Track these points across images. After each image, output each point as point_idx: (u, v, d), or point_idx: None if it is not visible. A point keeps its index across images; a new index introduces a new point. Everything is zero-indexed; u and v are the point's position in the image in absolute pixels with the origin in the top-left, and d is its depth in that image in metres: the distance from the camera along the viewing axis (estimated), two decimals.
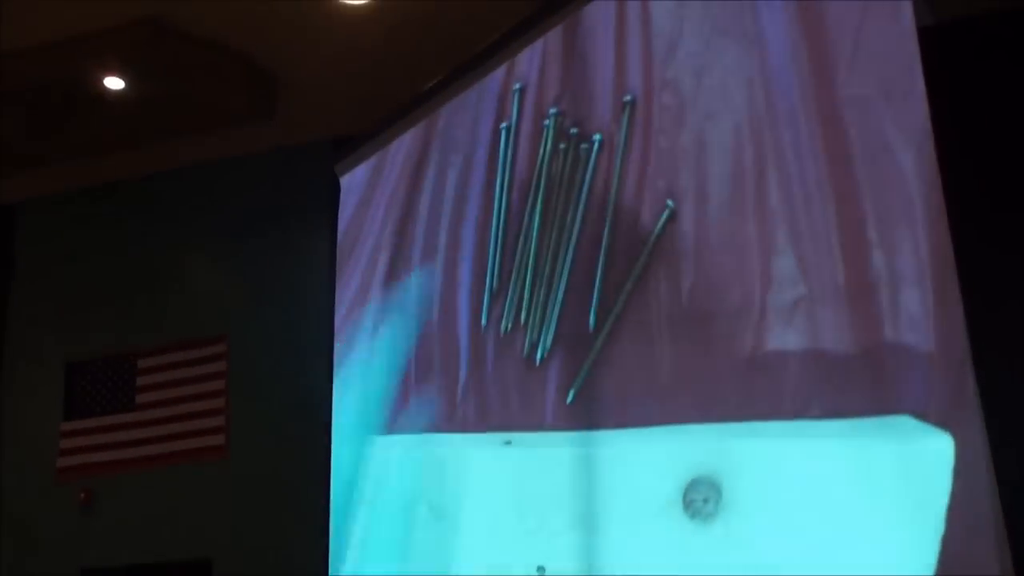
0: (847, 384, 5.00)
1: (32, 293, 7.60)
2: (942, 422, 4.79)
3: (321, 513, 6.09)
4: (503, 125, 5.99)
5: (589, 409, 5.50)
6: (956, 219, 4.90)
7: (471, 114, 6.14)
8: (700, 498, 5.14)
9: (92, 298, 7.41)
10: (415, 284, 6.21)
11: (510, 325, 5.83)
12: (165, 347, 7.00)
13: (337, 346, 6.32)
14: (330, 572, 5.98)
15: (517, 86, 5.99)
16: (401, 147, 6.41)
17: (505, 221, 6.03)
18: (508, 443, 5.68)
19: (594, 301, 5.62)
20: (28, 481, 7.10)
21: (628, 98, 5.64)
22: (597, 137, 5.74)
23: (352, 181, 6.59)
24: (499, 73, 6.02)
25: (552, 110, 5.87)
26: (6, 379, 7.49)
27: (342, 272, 6.49)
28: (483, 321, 5.91)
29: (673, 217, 5.52)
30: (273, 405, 6.63)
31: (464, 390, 5.87)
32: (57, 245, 7.64)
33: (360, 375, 6.20)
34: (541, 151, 5.92)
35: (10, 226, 7.70)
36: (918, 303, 4.93)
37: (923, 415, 4.88)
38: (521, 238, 5.94)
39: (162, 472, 6.85)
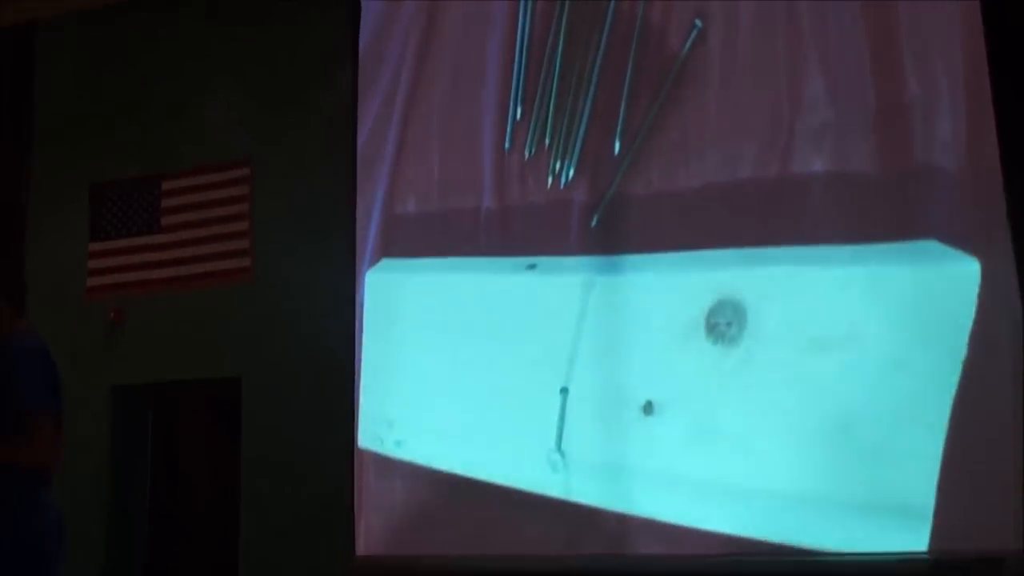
0: (874, 209, 5.07)
1: (55, 115, 7.65)
2: (969, 247, 4.88)
3: (345, 333, 6.28)
4: None
5: (613, 234, 5.61)
6: (993, 43, 4.86)
7: None
8: (724, 322, 5.29)
9: (115, 120, 7.46)
10: (437, 106, 6.23)
11: (534, 149, 5.88)
12: (189, 170, 7.10)
13: (359, 169, 6.39)
14: (356, 389, 6.21)
15: None
16: None
17: (529, 43, 5.99)
18: (532, 267, 5.81)
19: (619, 125, 5.64)
20: (58, 300, 7.33)
21: None
22: None
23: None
24: None
25: None
26: (33, 200, 7.64)
27: (364, 93, 6.50)
28: (506, 145, 5.96)
29: (701, 38, 5.48)
30: (296, 228, 6.76)
31: (487, 214, 5.97)
32: (78, 65, 7.65)
33: (381, 197, 6.30)
34: None
35: (30, 46, 7.69)
36: (950, 127, 4.95)
37: (950, 240, 4.97)
38: (545, 61, 5.92)
39: (189, 293, 7.05)
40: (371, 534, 6.10)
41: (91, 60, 7.60)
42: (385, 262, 6.28)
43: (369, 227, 6.34)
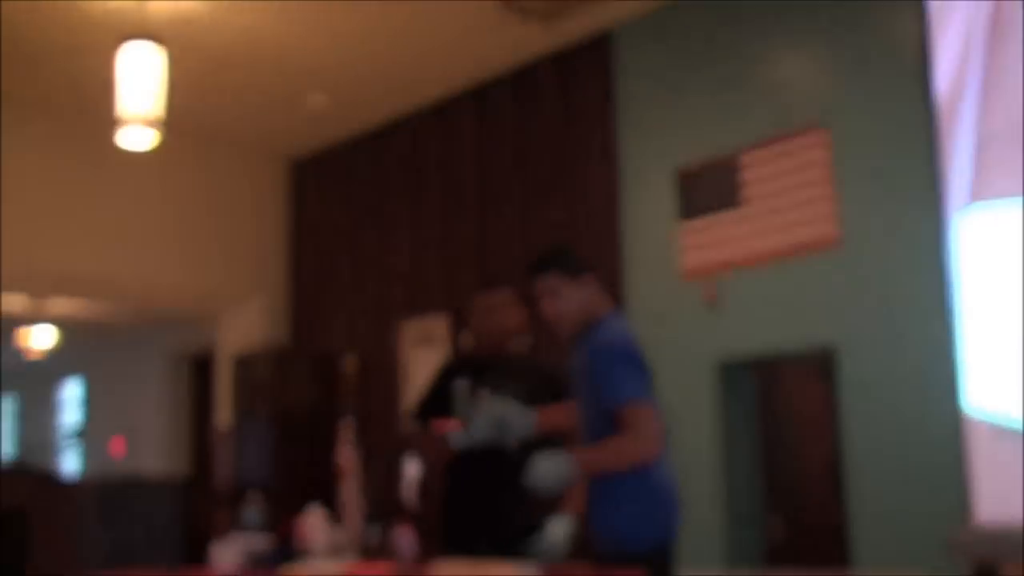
0: None
1: (637, 112, 8.36)
2: None
3: (931, 290, 6.20)
4: None
5: None
6: None
7: None
8: None
9: (692, 107, 7.99)
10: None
11: None
12: (764, 143, 7.40)
13: (940, 115, 6.29)
14: (955, 348, 6.11)
15: None
16: None
17: None
18: None
19: None
20: (655, 279, 7.97)
21: None
22: None
23: None
24: None
25: None
26: (624, 187, 8.40)
27: (936, 35, 6.38)
28: None
29: None
30: (878, 187, 6.79)
31: None
32: (654, 66, 8.29)
33: (967, 142, 6.14)
34: None
35: (607, 50, 8.49)
36: None
37: None
38: None
39: (777, 265, 7.32)
40: (988, 502, 6.01)
41: (665, 60, 8.20)
42: (978, 206, 6.13)
43: (955, 175, 6.23)
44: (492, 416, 3.32)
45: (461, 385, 3.81)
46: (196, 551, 10.56)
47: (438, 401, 4.10)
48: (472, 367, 4.11)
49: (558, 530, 3.65)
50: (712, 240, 7.81)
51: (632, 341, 3.26)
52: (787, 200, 7.31)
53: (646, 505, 3.15)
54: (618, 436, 3.06)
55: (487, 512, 3.85)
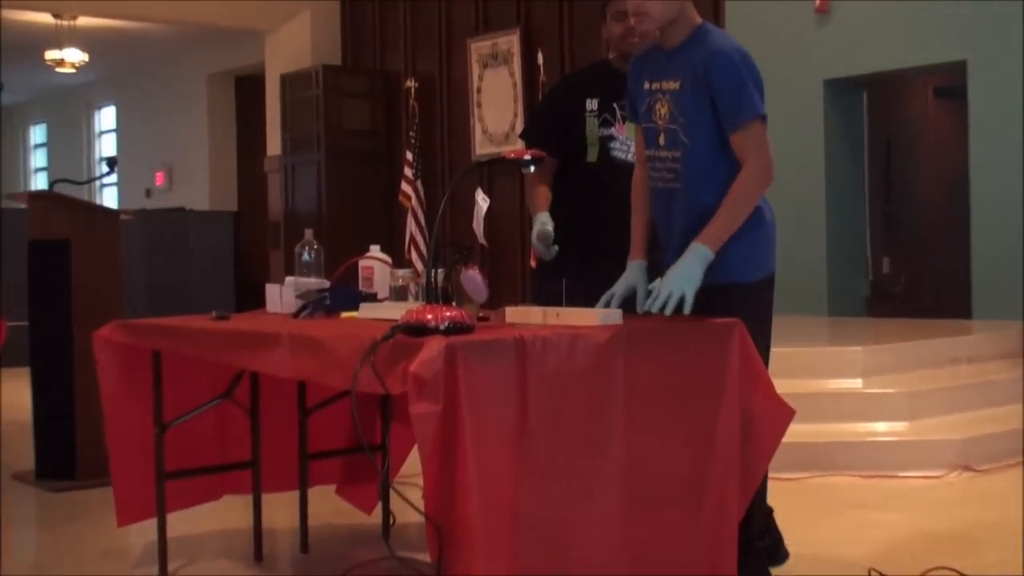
0: None
1: None
2: None
3: None
4: None
5: None
6: None
7: None
8: None
9: None
10: None
11: None
12: None
13: None
14: None
15: None
16: None
17: None
18: None
19: None
20: None
21: None
22: None
23: None
24: None
25: None
26: None
27: None
28: None
29: None
30: None
31: None
32: None
33: None
34: None
35: None
36: None
37: None
38: None
39: None
40: None
41: None
42: None
43: None
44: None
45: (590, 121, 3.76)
46: (249, 293, 10.77)
47: (553, 122, 3.90)
48: (599, 83, 3.88)
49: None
50: None
51: (746, 51, 3.08)
52: None
53: (756, 235, 3.08)
54: (739, 181, 2.94)
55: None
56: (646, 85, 3.20)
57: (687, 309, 2.86)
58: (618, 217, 3.37)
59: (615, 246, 3.33)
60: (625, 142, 3.76)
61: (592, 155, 3.82)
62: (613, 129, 3.79)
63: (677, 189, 3.14)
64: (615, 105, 3.78)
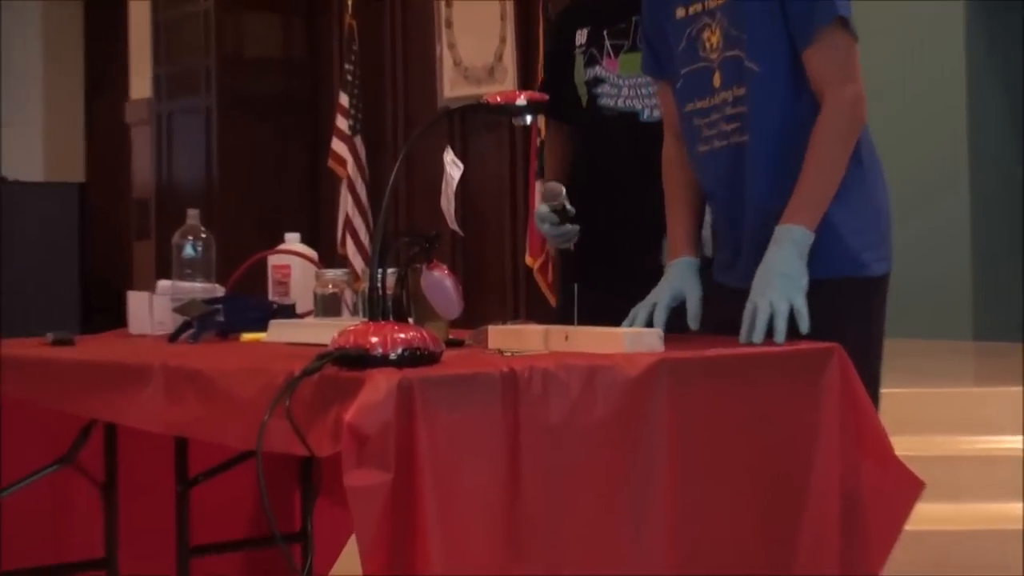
0: None
1: None
2: None
3: None
4: None
5: None
6: None
7: None
8: None
9: None
10: None
11: None
12: None
13: None
14: None
15: None
16: None
17: None
18: None
19: None
20: None
21: None
22: None
23: None
24: None
25: None
26: None
27: None
28: None
29: None
30: None
31: None
32: None
33: None
34: None
35: None
36: None
37: None
38: None
39: None
40: None
41: None
42: None
43: None
44: None
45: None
46: (101, 305, 10.64)
47: (557, 66, 4.03)
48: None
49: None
50: None
51: None
52: None
53: (866, 205, 3.07)
54: (820, 123, 2.92)
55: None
56: (680, 12, 3.18)
57: (804, 326, 2.84)
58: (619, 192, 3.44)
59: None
60: (616, 83, 3.85)
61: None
62: (599, 68, 3.88)
63: (744, 144, 3.12)
64: (604, 32, 3.88)
